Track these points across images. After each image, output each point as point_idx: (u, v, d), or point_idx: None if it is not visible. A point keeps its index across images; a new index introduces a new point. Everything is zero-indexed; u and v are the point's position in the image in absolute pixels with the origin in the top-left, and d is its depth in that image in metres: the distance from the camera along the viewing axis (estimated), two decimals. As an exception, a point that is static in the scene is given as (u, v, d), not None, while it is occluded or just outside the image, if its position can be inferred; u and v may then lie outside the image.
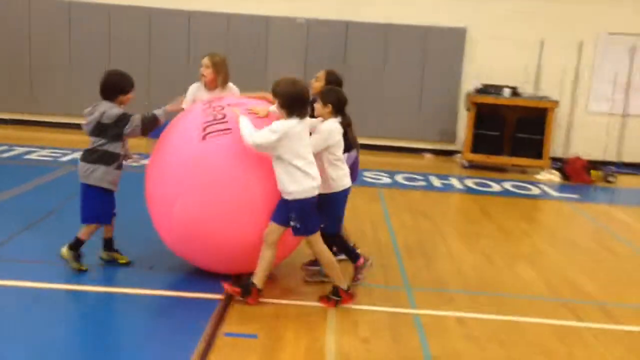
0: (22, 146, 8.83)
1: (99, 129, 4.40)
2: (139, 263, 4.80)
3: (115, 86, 4.47)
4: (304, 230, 4.14)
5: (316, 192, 4.13)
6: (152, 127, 4.47)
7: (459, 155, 10.41)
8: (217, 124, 4.27)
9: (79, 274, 4.51)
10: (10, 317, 3.92)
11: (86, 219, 4.54)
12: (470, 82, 10.38)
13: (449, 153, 10.70)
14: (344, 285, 4.31)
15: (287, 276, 4.77)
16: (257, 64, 10.03)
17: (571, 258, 5.89)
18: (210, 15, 10.33)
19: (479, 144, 9.84)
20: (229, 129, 4.23)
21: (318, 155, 4.30)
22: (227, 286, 4.24)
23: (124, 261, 4.75)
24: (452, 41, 10.44)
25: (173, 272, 4.66)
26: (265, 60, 10.19)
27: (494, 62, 10.35)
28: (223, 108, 4.39)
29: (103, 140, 4.42)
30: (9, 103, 10.57)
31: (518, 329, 4.20)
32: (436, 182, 8.68)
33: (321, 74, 4.96)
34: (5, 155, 8.40)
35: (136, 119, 4.40)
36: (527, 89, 10.33)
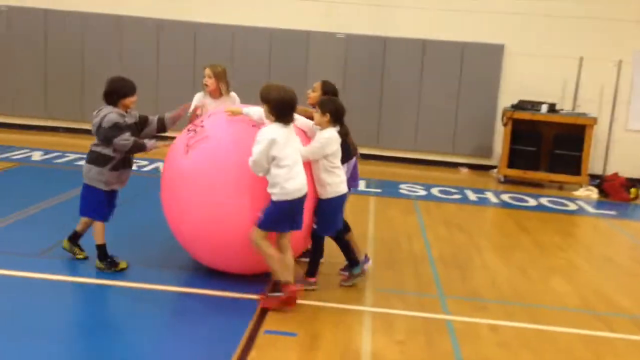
0: (75, 153, 9.23)
1: (97, 132, 4.65)
2: (178, 263, 5.02)
3: (117, 91, 4.71)
4: (261, 222, 4.22)
5: (297, 195, 4.22)
6: (136, 151, 4.71)
7: (495, 170, 10.46)
8: (195, 135, 4.58)
9: (121, 272, 4.79)
10: (50, 308, 4.19)
11: (82, 213, 4.83)
12: (507, 97, 10.44)
13: (484, 168, 10.75)
14: (290, 278, 4.33)
15: (325, 280, 4.92)
16: (297, 79, 10.26)
17: (607, 273, 5.92)
18: (252, 30, 10.65)
19: (516, 159, 9.87)
20: (206, 136, 4.53)
21: (315, 162, 4.51)
22: (263, 303, 4.36)
23: (81, 256, 4.94)
24: (490, 57, 10.53)
25: (215, 273, 4.84)
26: (305, 74, 10.43)
27: (532, 78, 10.39)
28: (202, 121, 4.73)
29: (98, 142, 4.67)
30: (62, 112, 11.04)
31: (550, 338, 4.29)
32: (472, 196, 8.75)
33: (317, 85, 5.11)
34: (59, 161, 8.82)
35: (130, 140, 4.60)
36: (565, 105, 10.35)
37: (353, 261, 4.93)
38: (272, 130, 4.19)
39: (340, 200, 4.65)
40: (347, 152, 4.76)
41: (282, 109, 4.20)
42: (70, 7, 10.80)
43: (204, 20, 10.69)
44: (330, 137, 4.52)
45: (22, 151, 9.13)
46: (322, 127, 4.57)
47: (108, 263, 4.81)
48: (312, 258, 4.84)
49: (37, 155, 8.95)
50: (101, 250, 4.82)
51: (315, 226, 4.63)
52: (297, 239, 4.52)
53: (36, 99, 11.01)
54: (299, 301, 4.40)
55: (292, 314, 4.29)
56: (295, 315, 4.28)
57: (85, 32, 10.84)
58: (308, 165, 4.49)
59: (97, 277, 4.71)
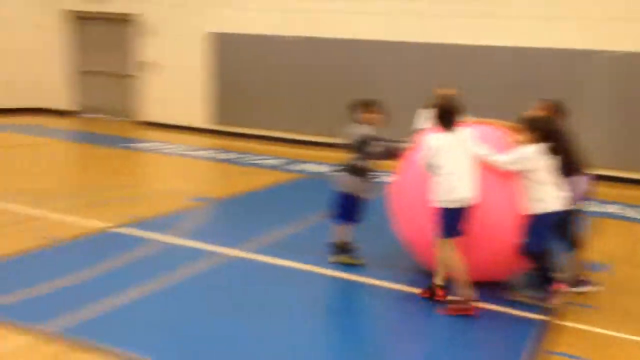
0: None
1: (353, 145, 5.14)
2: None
3: (359, 109, 5.22)
4: (438, 231, 4.40)
5: (459, 205, 4.31)
6: (389, 156, 5.10)
7: None
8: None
9: (359, 267, 5.20)
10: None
11: (334, 218, 5.29)
12: None
13: None
14: (440, 282, 4.54)
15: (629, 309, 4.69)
16: (569, 101, 9.80)
17: None
18: (503, 50, 10.31)
19: None
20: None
21: (519, 177, 4.49)
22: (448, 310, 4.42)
23: (357, 262, 5.25)
24: None
25: (487, 288, 4.74)
26: (579, 97, 9.55)
27: None
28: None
29: (353, 155, 5.15)
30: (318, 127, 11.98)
31: None
32: None
33: (544, 104, 4.97)
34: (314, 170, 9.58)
35: (381, 146, 5.02)
36: None
37: (544, 280, 4.56)
38: (432, 137, 4.44)
39: (550, 217, 4.47)
40: (568, 168, 4.63)
41: (441, 116, 4.45)
42: (335, 35, 11.44)
43: (460, 42, 10.59)
44: (525, 153, 4.44)
45: (311, 164, 9.97)
46: (528, 144, 4.49)
47: (343, 255, 5.26)
48: (541, 273, 4.57)
49: (324, 168, 9.57)
50: (341, 247, 5.28)
51: (524, 240, 4.49)
52: (504, 258, 4.59)
53: (320, 118, 11.66)
54: (582, 326, 4.31)
55: (575, 338, 4.17)
56: (579, 339, 4.16)
57: (348, 56, 11.37)
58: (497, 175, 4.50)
59: (379, 278, 5.00)
